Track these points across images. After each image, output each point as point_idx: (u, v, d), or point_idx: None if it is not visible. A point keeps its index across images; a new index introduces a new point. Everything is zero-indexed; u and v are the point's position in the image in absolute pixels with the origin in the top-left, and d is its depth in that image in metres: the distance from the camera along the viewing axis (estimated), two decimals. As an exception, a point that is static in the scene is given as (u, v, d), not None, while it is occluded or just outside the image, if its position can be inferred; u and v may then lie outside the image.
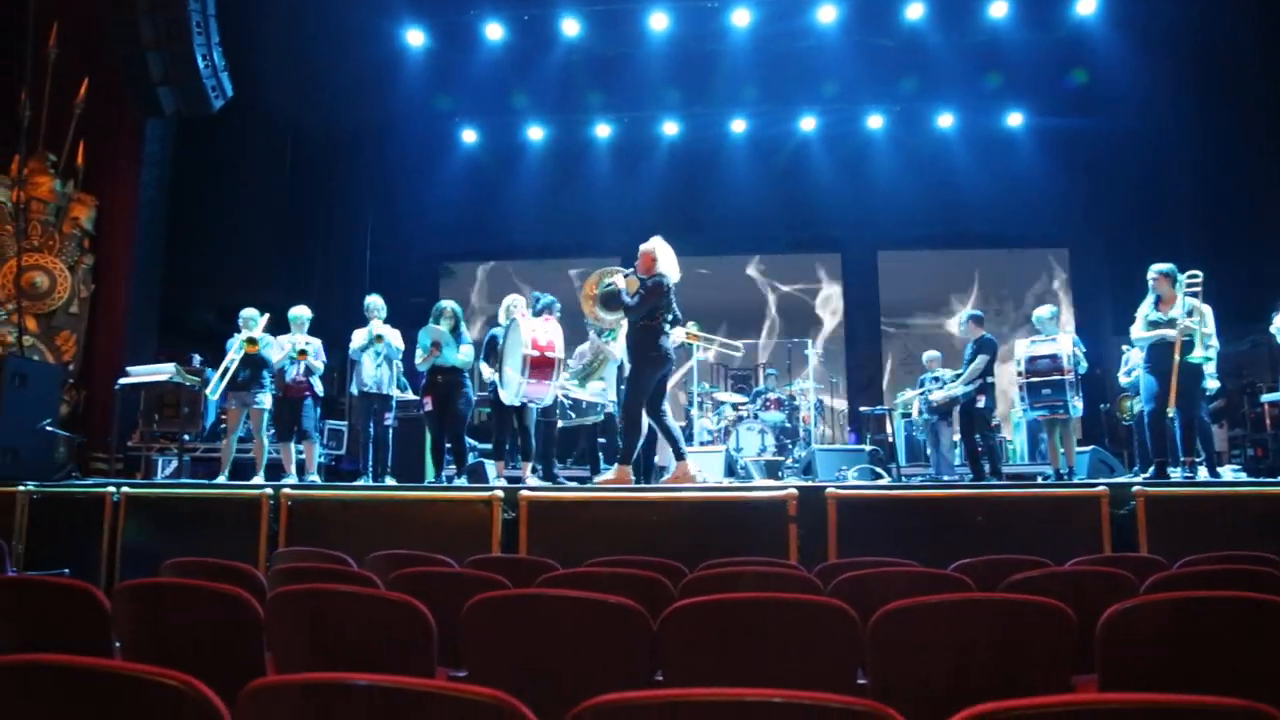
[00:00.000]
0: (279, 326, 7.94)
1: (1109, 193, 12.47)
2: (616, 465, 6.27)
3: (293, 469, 7.74)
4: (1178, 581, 2.84)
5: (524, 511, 5.19)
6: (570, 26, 11.94)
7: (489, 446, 7.93)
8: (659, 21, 11.77)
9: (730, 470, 9.03)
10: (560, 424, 7.83)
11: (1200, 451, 6.69)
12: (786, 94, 12.67)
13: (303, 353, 7.70)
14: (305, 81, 11.14)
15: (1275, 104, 10.18)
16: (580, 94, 12.77)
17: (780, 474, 9.27)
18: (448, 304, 7.61)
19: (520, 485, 6.01)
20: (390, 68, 12.29)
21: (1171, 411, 6.54)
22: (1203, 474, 6.55)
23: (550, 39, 12.13)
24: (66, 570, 5.40)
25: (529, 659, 2.31)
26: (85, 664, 1.55)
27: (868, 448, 10.22)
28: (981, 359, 7.94)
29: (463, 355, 7.32)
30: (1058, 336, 7.85)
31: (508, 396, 6.84)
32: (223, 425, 8.45)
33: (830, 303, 13.95)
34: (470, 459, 7.74)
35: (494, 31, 12.11)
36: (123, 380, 8.43)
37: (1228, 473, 7.61)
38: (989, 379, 7.97)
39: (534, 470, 7.24)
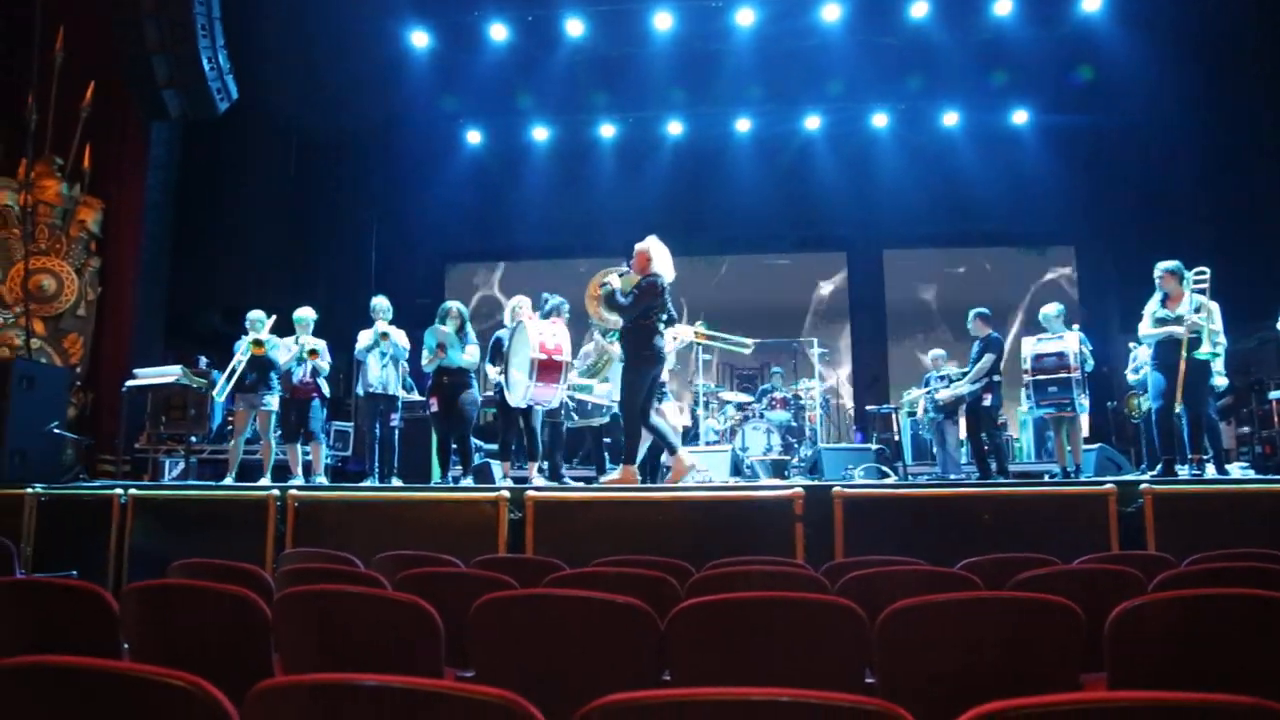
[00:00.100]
0: (285, 328, 7.95)
1: (1115, 190, 12.40)
2: (622, 465, 6.26)
3: (299, 470, 7.76)
4: (1186, 579, 2.83)
5: (530, 512, 5.19)
6: (574, 27, 11.95)
7: (495, 447, 7.94)
8: (663, 21, 11.78)
9: (736, 469, 9.02)
10: (565, 425, 7.83)
11: (1208, 449, 6.66)
12: (791, 93, 12.66)
13: (313, 352, 7.69)
14: (310, 83, 11.16)
15: (1282, 100, 10.16)
16: (585, 94, 12.78)
17: (786, 473, 9.26)
18: (453, 304, 7.59)
19: (526, 486, 6.00)
20: (395, 69, 12.33)
21: (1179, 409, 6.52)
22: (1211, 471, 6.51)
23: (554, 39, 12.14)
24: (74, 572, 5.39)
25: (536, 659, 2.31)
26: (93, 665, 1.55)
27: (874, 447, 10.19)
28: (988, 358, 7.91)
29: (468, 356, 7.32)
30: (1064, 334, 7.83)
31: (514, 399, 6.85)
32: (230, 427, 8.46)
33: (836, 301, 13.93)
34: (476, 460, 7.73)
35: (498, 32, 12.13)
36: (130, 382, 8.43)
37: (1236, 470, 7.57)
38: (995, 377, 7.95)
39: (540, 471, 7.24)
